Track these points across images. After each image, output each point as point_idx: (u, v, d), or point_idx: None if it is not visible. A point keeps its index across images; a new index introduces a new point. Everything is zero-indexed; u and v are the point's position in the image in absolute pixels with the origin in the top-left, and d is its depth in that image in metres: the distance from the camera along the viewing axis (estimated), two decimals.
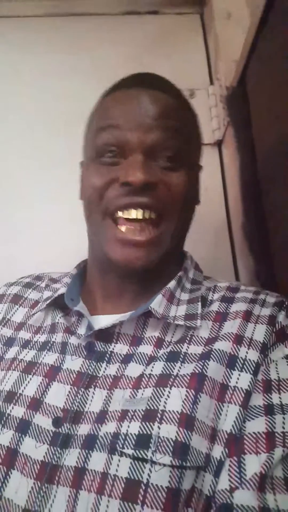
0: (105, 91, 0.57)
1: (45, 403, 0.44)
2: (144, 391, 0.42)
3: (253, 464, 0.37)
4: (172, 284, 0.52)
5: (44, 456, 0.40)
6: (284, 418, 0.39)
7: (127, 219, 0.49)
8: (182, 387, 0.42)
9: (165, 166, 0.50)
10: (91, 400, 0.43)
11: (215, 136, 0.95)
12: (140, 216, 0.48)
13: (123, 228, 0.49)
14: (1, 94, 0.99)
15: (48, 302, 0.55)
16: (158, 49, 1.01)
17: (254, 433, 0.39)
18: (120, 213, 0.49)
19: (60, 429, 0.42)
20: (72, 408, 0.43)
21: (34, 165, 0.94)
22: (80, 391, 0.44)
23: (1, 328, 0.56)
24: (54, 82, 0.99)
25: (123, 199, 0.49)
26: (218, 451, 0.39)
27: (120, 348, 0.48)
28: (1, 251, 0.89)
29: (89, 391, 0.44)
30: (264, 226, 0.76)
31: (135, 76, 0.56)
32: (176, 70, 0.97)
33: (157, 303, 0.49)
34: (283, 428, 0.38)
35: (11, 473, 0.40)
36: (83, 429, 0.41)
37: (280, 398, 0.41)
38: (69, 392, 0.44)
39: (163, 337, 0.48)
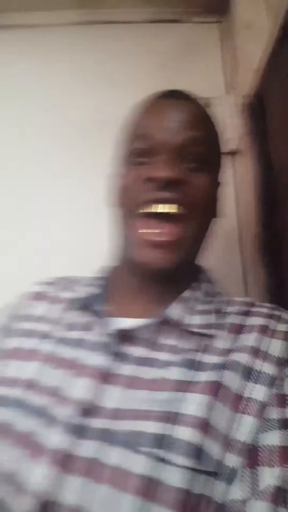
0: (138, 104, 0.61)
1: (61, 394, 0.45)
2: (159, 393, 0.43)
3: (267, 476, 0.37)
4: (187, 293, 0.54)
5: (58, 445, 0.41)
6: None
7: (151, 215, 0.51)
8: (198, 393, 0.43)
9: (190, 167, 0.52)
10: (105, 396, 0.44)
11: (229, 145, 0.94)
12: (165, 210, 0.50)
13: (145, 230, 0.51)
14: (24, 99, 1.00)
15: (71, 301, 0.57)
16: (178, 57, 1.01)
17: (268, 445, 0.39)
18: (145, 208, 0.51)
19: (75, 420, 0.43)
20: (87, 401, 0.44)
21: (48, 175, 0.95)
22: (95, 386, 0.45)
23: (24, 323, 0.58)
24: (74, 90, 0.99)
25: (148, 193, 0.51)
26: (231, 460, 0.39)
27: (135, 350, 0.49)
28: (12, 258, 0.90)
29: (104, 387, 0.45)
30: (277, 239, 0.75)
31: (167, 90, 0.59)
32: (193, 78, 0.96)
33: (172, 311, 0.51)
34: None
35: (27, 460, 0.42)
36: (97, 423, 0.42)
37: None
38: (83, 385, 0.45)
39: (178, 345, 0.49)
